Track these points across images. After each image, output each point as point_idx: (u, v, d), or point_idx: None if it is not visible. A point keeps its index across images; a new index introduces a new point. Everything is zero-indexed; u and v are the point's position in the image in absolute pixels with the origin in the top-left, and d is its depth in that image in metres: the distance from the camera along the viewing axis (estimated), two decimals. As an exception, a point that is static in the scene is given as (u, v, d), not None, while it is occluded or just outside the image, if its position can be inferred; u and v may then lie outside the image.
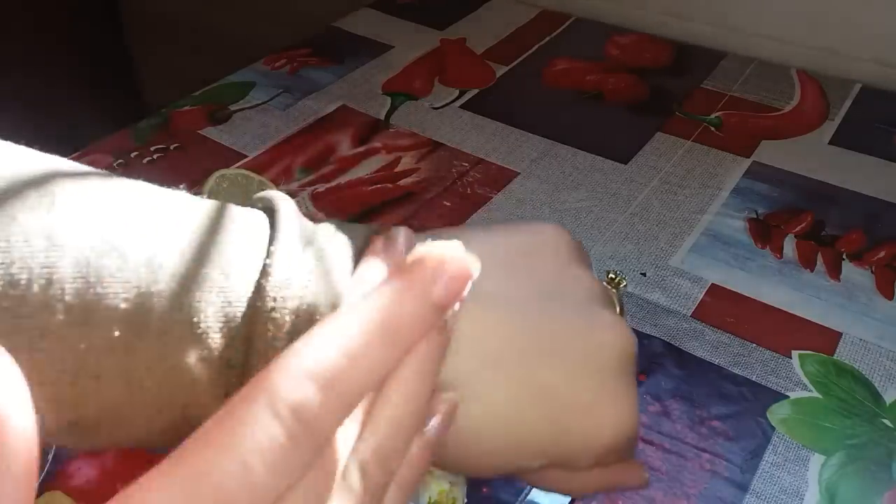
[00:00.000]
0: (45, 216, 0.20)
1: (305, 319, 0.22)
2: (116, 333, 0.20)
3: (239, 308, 0.21)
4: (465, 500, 0.38)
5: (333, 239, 0.24)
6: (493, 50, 0.81)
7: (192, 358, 0.21)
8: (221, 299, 0.21)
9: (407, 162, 0.65)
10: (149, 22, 1.56)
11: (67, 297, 0.20)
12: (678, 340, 0.50)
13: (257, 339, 0.21)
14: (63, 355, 0.20)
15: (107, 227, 0.21)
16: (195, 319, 0.21)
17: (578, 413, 0.25)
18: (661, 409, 0.46)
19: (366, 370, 0.19)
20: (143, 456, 0.43)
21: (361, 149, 0.67)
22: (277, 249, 0.22)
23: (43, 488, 0.41)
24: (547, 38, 0.83)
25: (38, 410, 0.16)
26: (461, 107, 0.72)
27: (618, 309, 0.28)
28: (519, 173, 0.64)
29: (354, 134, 0.69)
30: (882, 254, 0.56)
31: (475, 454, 0.25)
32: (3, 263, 0.19)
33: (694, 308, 0.52)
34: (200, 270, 0.21)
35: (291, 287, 0.22)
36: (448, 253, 0.20)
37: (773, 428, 0.45)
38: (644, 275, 0.54)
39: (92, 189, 0.22)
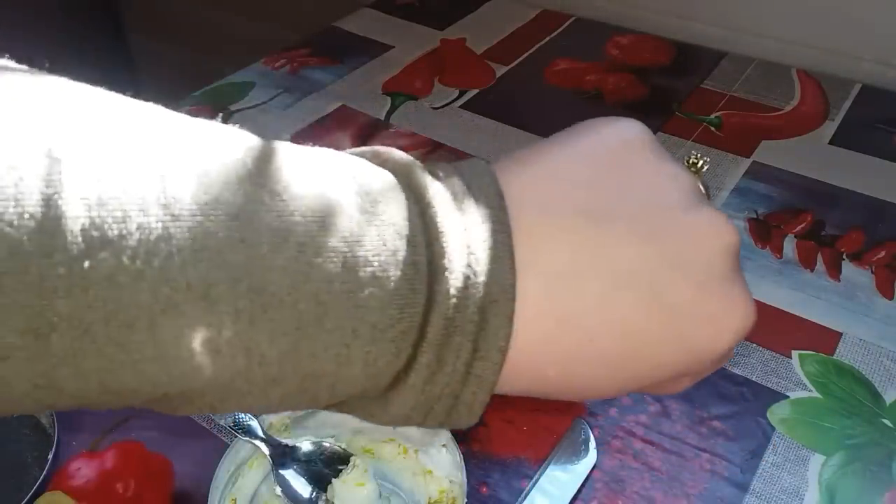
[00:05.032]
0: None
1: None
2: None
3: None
4: (466, 500, 0.38)
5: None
6: (493, 50, 0.81)
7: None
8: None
9: (407, 162, 0.65)
10: (149, 22, 1.56)
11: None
12: (678, 340, 0.50)
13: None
14: None
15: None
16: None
17: (704, 324, 0.25)
18: (661, 409, 0.46)
19: None
20: (142, 455, 0.43)
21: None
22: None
23: (43, 488, 0.41)
24: (547, 38, 0.83)
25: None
26: (461, 107, 0.72)
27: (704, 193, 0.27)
28: (519, 173, 0.64)
29: (354, 134, 0.69)
30: (882, 254, 0.56)
31: (605, 377, 0.25)
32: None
33: (694, 308, 0.52)
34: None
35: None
36: None
37: (773, 428, 0.45)
38: (644, 275, 0.54)
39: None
